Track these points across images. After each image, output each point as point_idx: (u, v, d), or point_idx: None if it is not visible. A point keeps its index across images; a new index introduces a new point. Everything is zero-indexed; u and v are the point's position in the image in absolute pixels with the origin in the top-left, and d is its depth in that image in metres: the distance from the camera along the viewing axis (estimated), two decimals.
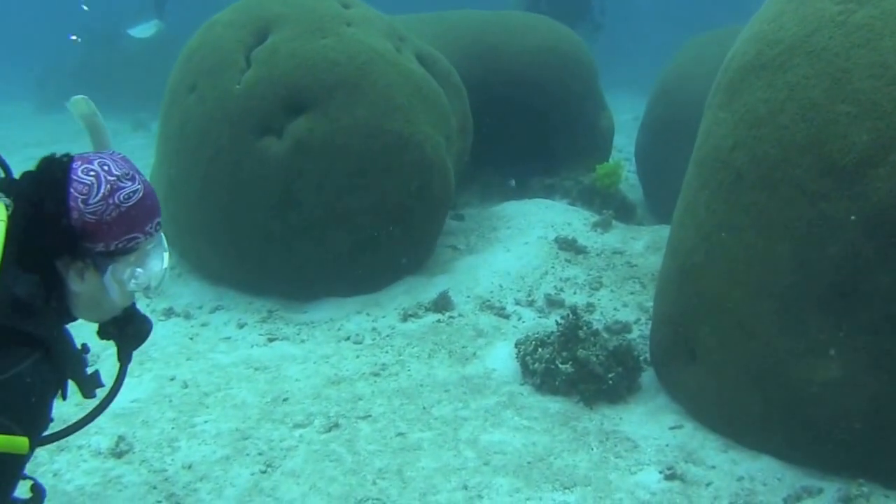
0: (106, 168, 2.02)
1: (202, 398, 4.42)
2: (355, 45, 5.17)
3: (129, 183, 2.03)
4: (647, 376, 4.57)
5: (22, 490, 2.11)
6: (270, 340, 5.02)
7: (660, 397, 4.45)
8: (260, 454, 3.91)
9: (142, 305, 5.31)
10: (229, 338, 5.06)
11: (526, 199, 6.92)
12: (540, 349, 4.55)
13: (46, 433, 2.06)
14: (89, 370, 2.27)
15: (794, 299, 3.62)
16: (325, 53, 5.08)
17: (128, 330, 2.24)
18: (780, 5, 4.07)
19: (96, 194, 1.98)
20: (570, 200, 7.03)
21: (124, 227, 2.02)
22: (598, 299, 5.42)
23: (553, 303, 5.35)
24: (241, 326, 5.18)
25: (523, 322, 5.16)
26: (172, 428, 4.14)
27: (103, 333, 2.23)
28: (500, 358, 4.72)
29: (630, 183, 8.61)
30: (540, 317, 5.23)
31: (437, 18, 7.18)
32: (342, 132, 5.00)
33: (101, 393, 2.30)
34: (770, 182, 3.70)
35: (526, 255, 5.81)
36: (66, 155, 2.05)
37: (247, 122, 5.03)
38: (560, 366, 4.44)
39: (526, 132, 7.09)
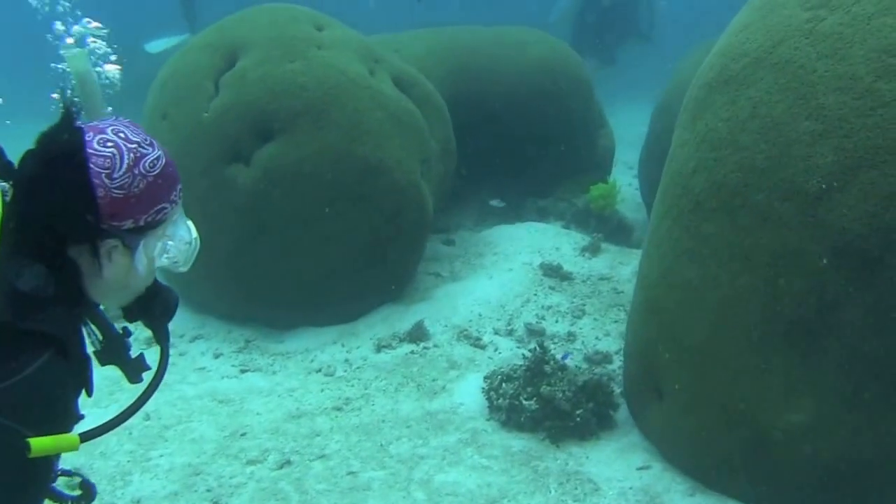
0: (123, 135, 1.69)
1: (162, 431, 4.14)
2: (324, 70, 4.86)
3: (150, 149, 1.71)
4: (624, 411, 4.15)
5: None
6: (242, 371, 4.71)
7: (633, 434, 4.01)
8: (208, 490, 3.63)
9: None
10: (203, 368, 4.77)
11: (518, 221, 6.52)
12: (504, 384, 4.16)
13: (87, 429, 1.77)
14: (133, 353, 1.99)
15: (758, 336, 3.16)
16: (292, 78, 4.79)
17: (154, 306, 1.95)
18: (750, 14, 3.64)
19: (120, 166, 1.67)
20: (565, 223, 6.59)
21: (153, 199, 1.73)
22: (580, 328, 4.99)
23: (533, 332, 4.94)
24: (216, 356, 4.89)
25: (499, 353, 4.76)
26: (128, 461, 3.88)
27: (129, 315, 1.93)
28: (469, 392, 4.33)
29: (637, 201, 8.13)
30: (518, 346, 4.82)
31: (430, 35, 6.80)
32: (309, 159, 4.70)
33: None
34: (730, 209, 3.25)
35: (509, 282, 5.41)
36: (71, 127, 1.70)
37: (215, 149, 4.76)
38: (524, 402, 4.03)
39: (520, 152, 6.68)
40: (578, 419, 3.97)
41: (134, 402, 1.86)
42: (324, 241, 4.79)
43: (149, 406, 4.30)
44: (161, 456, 3.93)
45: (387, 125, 4.91)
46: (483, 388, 4.22)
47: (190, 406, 4.33)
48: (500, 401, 4.12)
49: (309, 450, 3.92)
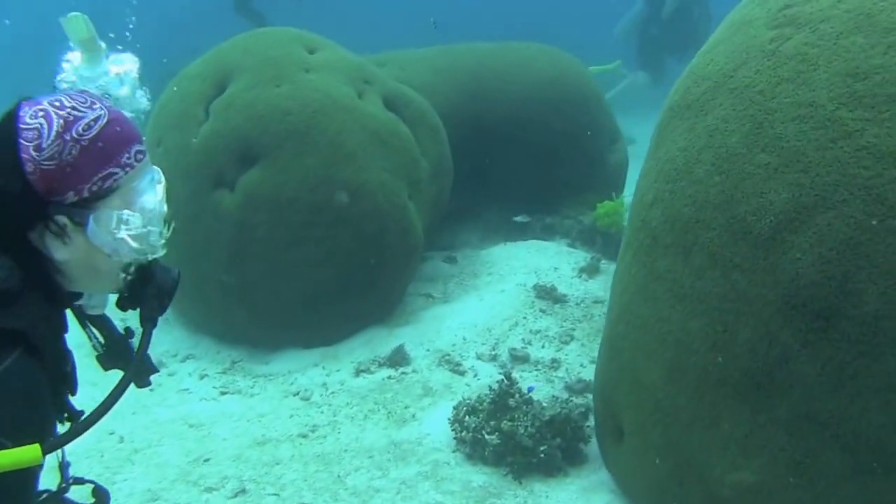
0: (57, 104, 1.46)
1: (132, 454, 4.00)
2: (309, 93, 4.64)
3: (88, 111, 1.47)
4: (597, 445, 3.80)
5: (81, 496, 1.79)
6: (222, 394, 4.54)
7: (602, 472, 3.65)
8: None
9: None
10: (186, 389, 4.62)
11: (522, 240, 6.16)
12: (469, 417, 3.85)
13: (51, 439, 1.58)
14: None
15: (707, 385, 2.77)
16: (277, 103, 4.58)
17: (148, 291, 1.66)
18: (721, 33, 3.23)
19: (48, 135, 1.44)
20: (570, 241, 6.19)
21: (93, 165, 1.47)
22: (566, 354, 4.63)
23: (517, 358, 4.60)
24: (201, 377, 4.73)
25: (478, 379, 4.45)
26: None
27: (122, 303, 1.66)
28: (439, 421, 4.03)
29: None
30: (500, 373, 4.49)
31: (437, 53, 6.47)
32: (290, 184, 4.48)
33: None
34: (683, 246, 2.87)
35: (499, 304, 5.07)
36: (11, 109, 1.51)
37: (202, 175, 4.59)
38: (486, 436, 3.72)
39: (527, 169, 6.30)
40: (542, 455, 3.64)
41: (100, 405, 1.56)
42: (305, 265, 4.57)
43: (124, 428, 4.26)
44: (125, 480, 3.79)
45: (370, 147, 4.65)
46: (449, 419, 3.93)
47: (162, 430, 4.17)
48: (463, 433, 3.82)
49: (266, 479, 3.71)
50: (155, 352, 5.05)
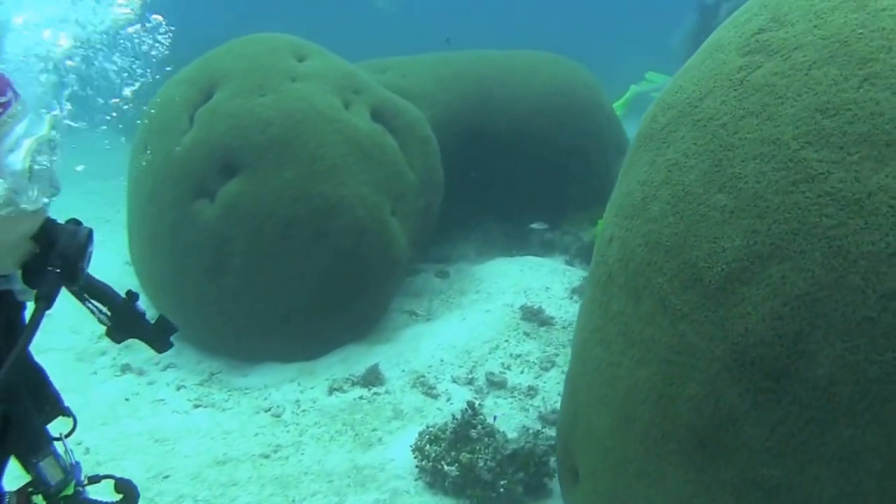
0: None
1: (94, 467, 3.78)
2: (293, 103, 4.46)
3: None
4: None
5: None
6: (195, 407, 4.40)
7: None
8: None
9: (106, 360, 5.03)
10: (161, 400, 4.49)
11: (520, 254, 5.90)
12: (430, 445, 3.64)
13: None
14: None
15: (654, 439, 2.50)
16: (260, 113, 4.42)
17: (52, 258, 1.44)
18: (696, 57, 2.94)
19: None
20: (569, 258, 5.90)
21: None
22: (545, 382, 4.37)
23: (493, 383, 4.36)
24: (178, 388, 4.59)
25: (451, 404, 4.22)
26: None
27: (29, 278, 1.46)
28: (405, 446, 3.81)
29: None
30: (475, 397, 4.26)
31: (440, 61, 6.22)
32: (269, 196, 4.32)
33: None
34: (635, 289, 2.60)
35: (482, 325, 4.83)
36: None
37: (184, 184, 4.46)
38: (446, 467, 3.51)
39: (530, 181, 6.03)
40: (502, 489, 3.42)
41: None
42: (282, 278, 4.40)
43: (91, 440, 4.15)
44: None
45: (352, 160, 4.46)
46: (412, 447, 3.72)
47: (128, 443, 4.04)
48: (424, 462, 3.61)
49: (220, 500, 3.55)
50: (138, 358, 5.00)
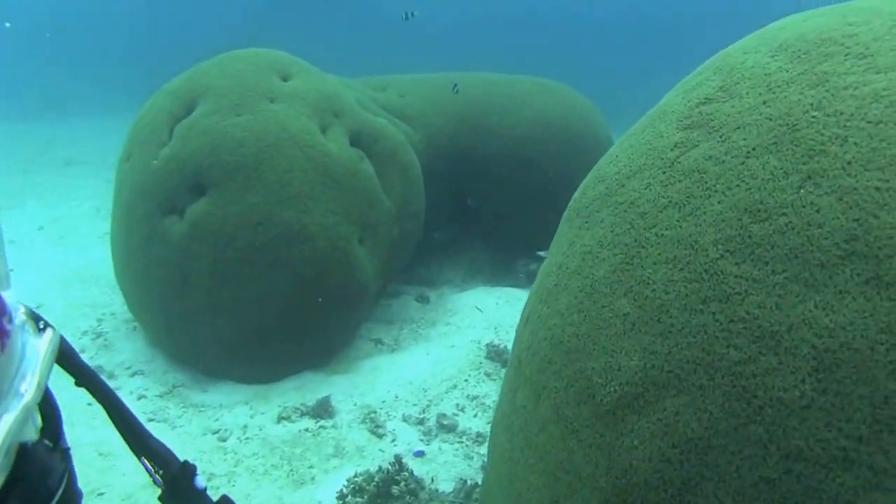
0: None
1: None
2: (267, 126, 4.09)
3: None
4: None
5: None
6: (149, 420, 4.10)
7: None
8: None
9: (84, 358, 4.80)
10: None
11: (502, 285, 5.42)
12: (352, 496, 3.24)
13: None
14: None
15: None
16: (233, 133, 4.06)
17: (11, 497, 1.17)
18: (642, 120, 2.44)
19: None
20: None
21: None
22: None
23: (444, 426, 3.93)
24: (139, 398, 4.32)
25: (395, 445, 3.81)
26: None
27: None
28: (334, 490, 3.42)
29: None
30: (422, 440, 3.85)
31: (439, 81, 5.78)
32: (233, 219, 3.96)
33: None
34: (536, 387, 2.13)
35: (444, 361, 4.39)
36: None
37: (157, 199, 4.14)
38: None
39: (519, 208, 5.54)
40: None
41: None
42: (242, 302, 4.05)
43: None
44: None
45: (319, 188, 4.06)
46: (337, 493, 3.33)
47: (75, 453, 3.68)
48: None
49: None
50: (112, 361, 4.73)
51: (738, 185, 1.80)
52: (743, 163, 1.83)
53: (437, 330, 4.74)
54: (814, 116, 1.82)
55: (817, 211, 1.66)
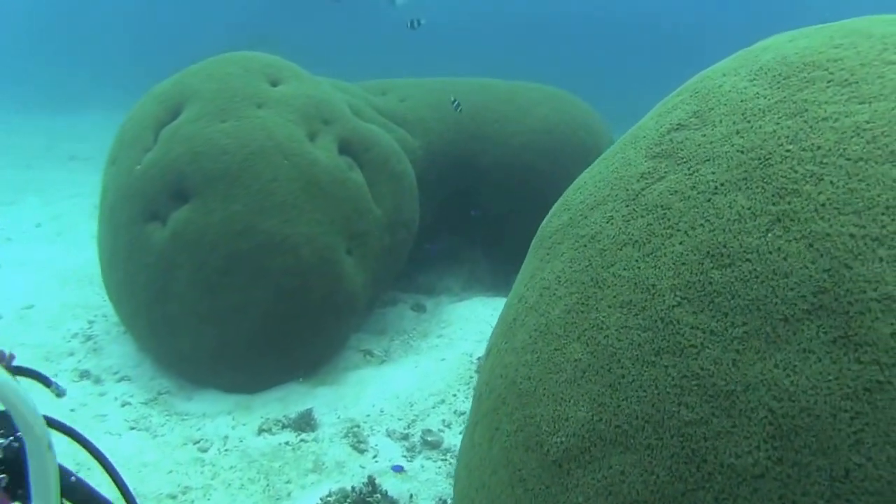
0: None
1: None
2: (252, 132, 4.00)
3: None
4: None
5: None
6: (130, 429, 4.05)
7: None
8: None
9: (70, 363, 4.77)
10: (103, 416, 4.16)
11: (500, 296, 5.29)
12: None
13: None
14: None
15: None
16: (216, 140, 3.98)
17: None
18: (615, 145, 2.29)
19: None
20: None
21: None
22: None
23: (428, 443, 3.83)
24: (123, 405, 4.27)
25: (376, 461, 3.71)
26: None
27: None
28: None
29: None
30: (405, 456, 3.75)
31: (441, 87, 5.62)
32: (214, 228, 3.88)
33: None
34: (490, 426, 2.02)
35: (433, 374, 4.29)
36: None
37: (140, 205, 4.08)
38: None
39: (518, 217, 5.38)
40: None
41: None
42: (223, 311, 3.98)
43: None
44: None
45: (304, 197, 3.96)
46: None
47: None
48: None
49: None
50: (101, 365, 4.69)
51: (701, 225, 1.66)
52: (709, 200, 1.69)
53: (429, 342, 4.63)
54: (788, 150, 1.68)
55: (785, 258, 1.52)
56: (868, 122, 1.66)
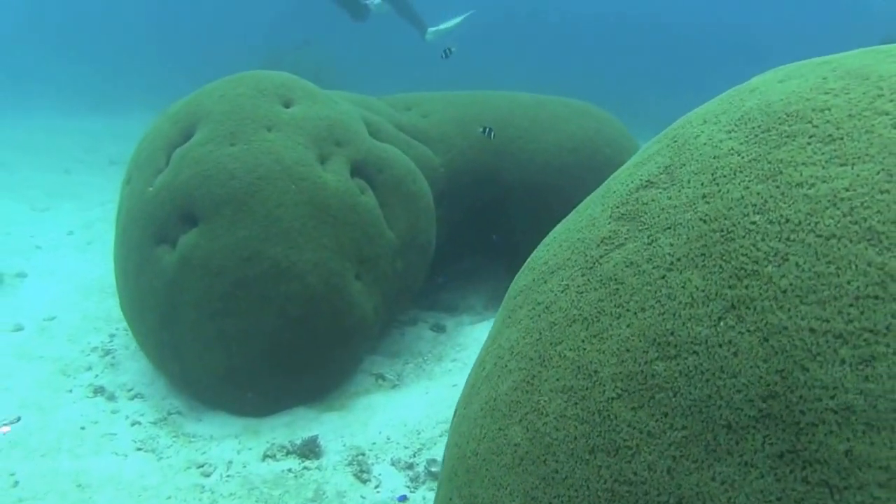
0: None
1: (16, 503, 3.74)
2: (260, 156, 4.00)
3: None
4: None
5: None
6: (137, 450, 4.14)
7: None
8: None
9: (87, 378, 4.91)
10: (113, 434, 4.28)
11: None
12: None
13: None
14: None
15: None
16: (225, 164, 4.00)
17: None
18: (593, 194, 2.16)
19: None
20: None
21: None
22: None
23: (432, 473, 3.76)
24: (133, 424, 4.38)
25: (378, 492, 3.68)
26: None
27: None
28: None
29: None
30: (408, 486, 3.70)
31: (466, 102, 5.47)
32: (220, 253, 3.91)
33: None
34: (445, 493, 1.93)
35: (443, 401, 4.21)
36: None
37: (150, 227, 4.15)
38: None
39: (541, 235, 5.26)
40: None
41: None
42: (228, 337, 4.01)
43: (25, 471, 3.98)
44: None
45: (311, 222, 3.95)
46: None
47: (53, 483, 3.83)
48: None
49: None
50: (116, 381, 4.82)
51: (652, 307, 1.53)
52: (664, 277, 1.56)
53: (443, 366, 4.57)
54: (753, 223, 1.53)
55: (735, 354, 1.37)
56: (847, 190, 1.49)
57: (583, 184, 5.18)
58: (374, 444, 4.01)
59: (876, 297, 1.33)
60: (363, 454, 3.94)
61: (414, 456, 3.91)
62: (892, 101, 1.60)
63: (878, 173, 1.47)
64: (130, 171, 4.55)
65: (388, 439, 4.03)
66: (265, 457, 4.00)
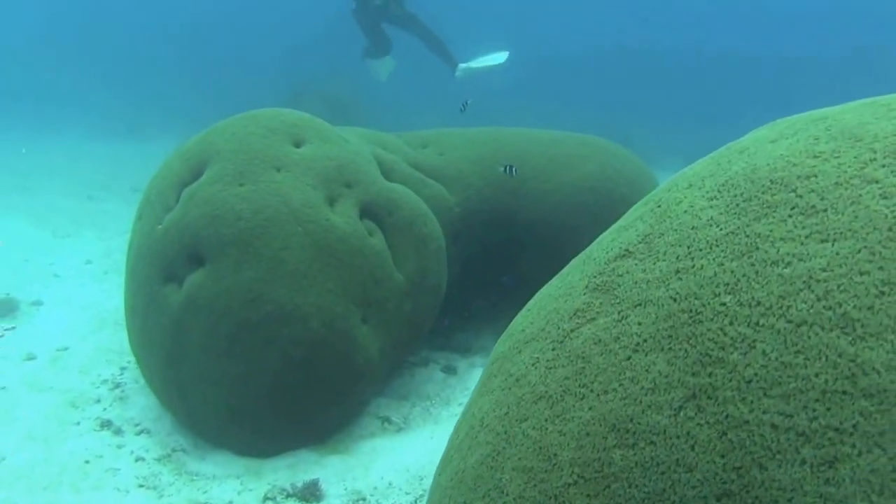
0: None
1: None
2: (267, 198, 4.07)
3: None
4: None
5: None
6: (140, 486, 4.19)
7: None
8: None
9: (95, 411, 4.99)
10: (117, 469, 4.34)
11: None
12: None
13: None
14: None
15: None
16: (233, 204, 4.08)
17: None
18: (569, 265, 2.14)
19: None
20: None
21: None
22: None
23: None
24: (137, 460, 4.44)
25: None
26: None
27: None
28: None
29: None
30: None
31: (482, 139, 5.52)
32: (226, 294, 3.97)
33: None
34: None
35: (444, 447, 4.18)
36: None
37: (158, 265, 4.25)
38: None
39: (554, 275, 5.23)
40: None
41: None
42: (232, 378, 4.06)
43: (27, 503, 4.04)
44: None
45: (316, 266, 3.99)
46: None
47: None
48: None
49: None
50: (123, 415, 4.90)
51: (614, 390, 1.51)
52: (629, 358, 1.53)
53: (450, 410, 4.54)
54: (723, 304, 1.50)
55: (692, 447, 1.34)
56: (824, 271, 1.45)
57: (599, 222, 5.15)
58: (375, 488, 3.99)
59: (844, 393, 1.29)
60: (364, 499, 3.93)
61: (415, 502, 3.88)
62: (884, 165, 1.55)
63: (860, 251, 1.43)
64: (142, 207, 4.67)
65: (390, 484, 4.01)
66: (266, 499, 4.01)
